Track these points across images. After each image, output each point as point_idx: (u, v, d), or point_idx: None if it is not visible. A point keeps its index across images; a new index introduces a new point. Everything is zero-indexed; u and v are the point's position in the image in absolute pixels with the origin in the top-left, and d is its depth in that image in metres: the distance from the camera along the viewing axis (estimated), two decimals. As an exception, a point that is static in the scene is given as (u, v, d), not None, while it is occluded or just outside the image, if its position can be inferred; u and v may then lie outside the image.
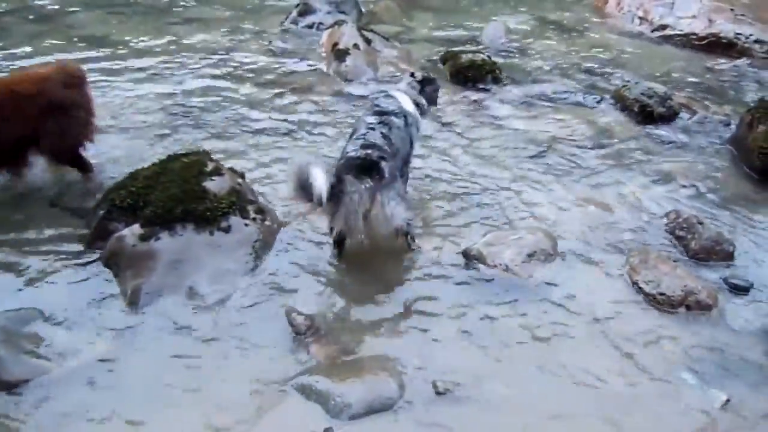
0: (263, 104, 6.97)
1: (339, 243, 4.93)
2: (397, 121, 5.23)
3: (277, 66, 7.80)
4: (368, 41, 8.12)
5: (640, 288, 4.89)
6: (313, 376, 4.06)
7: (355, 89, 7.35)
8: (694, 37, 9.12)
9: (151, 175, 5.07)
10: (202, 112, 6.76)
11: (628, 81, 7.68)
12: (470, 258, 5.05)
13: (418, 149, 5.78)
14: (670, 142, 6.84)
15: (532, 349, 4.41)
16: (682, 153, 6.69)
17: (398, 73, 6.00)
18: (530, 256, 5.05)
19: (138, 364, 4.12)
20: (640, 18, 9.60)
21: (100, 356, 4.15)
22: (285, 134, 6.47)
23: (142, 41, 8.13)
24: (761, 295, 4.96)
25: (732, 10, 9.35)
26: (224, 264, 4.79)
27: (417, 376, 4.14)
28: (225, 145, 6.22)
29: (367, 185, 4.71)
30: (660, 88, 7.40)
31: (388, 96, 5.46)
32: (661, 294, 4.81)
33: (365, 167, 4.76)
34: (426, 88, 5.82)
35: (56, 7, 8.88)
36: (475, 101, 7.34)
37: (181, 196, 4.87)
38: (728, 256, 5.26)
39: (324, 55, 8.10)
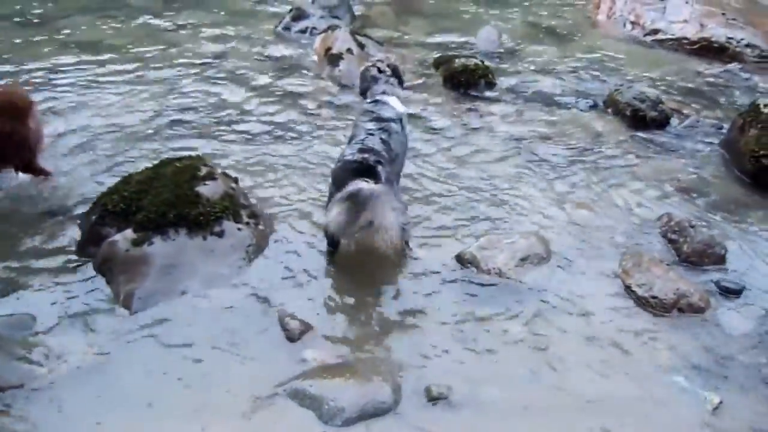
0: (256, 109, 6.97)
1: (333, 245, 4.92)
2: (395, 127, 5.27)
3: (270, 71, 7.81)
4: (362, 46, 8.13)
5: (632, 291, 4.90)
6: (306, 380, 4.05)
7: (348, 94, 7.35)
8: (686, 41, 9.16)
9: (144, 179, 5.06)
10: (195, 116, 6.75)
11: (621, 85, 7.71)
12: (464, 262, 5.06)
13: (411, 154, 5.79)
14: (662, 146, 6.87)
15: (525, 353, 4.41)
16: (674, 157, 6.72)
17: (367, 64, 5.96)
18: (523, 260, 5.07)
19: (130, 370, 4.10)
20: (632, 22, 9.64)
21: (93, 362, 4.13)
22: (278, 139, 6.47)
23: (135, 46, 8.12)
24: (753, 298, 4.98)
25: (723, 14, 9.40)
26: (217, 269, 4.78)
27: (411, 380, 4.13)
28: (218, 149, 6.22)
29: (364, 189, 4.69)
30: (652, 93, 7.44)
31: (383, 103, 5.48)
32: (654, 297, 4.82)
33: (362, 171, 4.76)
34: (397, 74, 5.93)
35: (50, 12, 8.86)
36: (467, 106, 7.36)
37: (174, 201, 4.86)
38: (720, 259, 5.28)
39: (317, 59, 8.11)
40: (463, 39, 9.00)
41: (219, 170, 5.32)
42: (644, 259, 5.11)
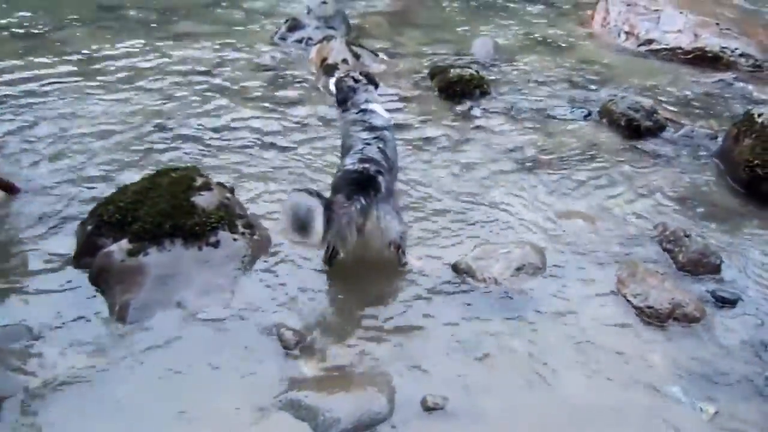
0: (252, 119, 6.97)
1: (331, 256, 4.93)
2: (389, 135, 5.33)
3: (266, 81, 7.83)
4: (357, 56, 8.16)
5: (628, 301, 4.91)
6: (301, 391, 4.04)
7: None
8: (680, 51, 9.20)
9: (139, 190, 5.06)
10: (190, 127, 6.76)
11: (615, 95, 7.74)
12: (459, 272, 5.06)
13: (406, 164, 5.80)
14: (657, 156, 6.89)
15: (521, 363, 4.41)
16: (668, 166, 6.73)
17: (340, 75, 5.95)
18: (519, 269, 5.07)
19: (126, 381, 4.09)
20: (627, 33, 9.68)
21: (88, 373, 4.12)
22: (274, 149, 6.48)
23: (131, 57, 8.13)
24: (748, 308, 4.98)
25: (717, 24, 9.44)
26: (213, 279, 4.78)
27: (406, 390, 4.12)
28: (214, 160, 6.22)
29: (364, 199, 4.72)
30: (647, 102, 7.46)
31: (371, 112, 5.50)
32: (649, 307, 4.83)
33: (362, 181, 4.78)
34: (372, 81, 5.94)
35: (46, 23, 8.87)
36: (463, 115, 7.38)
37: (170, 211, 4.86)
38: (715, 269, 5.28)
39: (313, 70, 8.13)
40: (458, 49, 9.03)
41: (214, 180, 5.32)
42: (639, 269, 5.12)
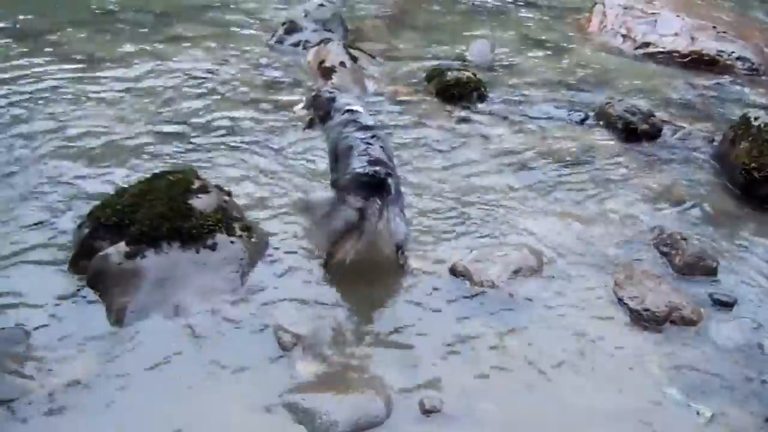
0: (250, 122, 6.97)
1: (330, 256, 4.93)
2: (382, 134, 5.33)
3: (263, 84, 7.82)
4: (354, 59, 8.16)
5: (624, 304, 4.92)
6: (299, 394, 4.05)
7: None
8: (677, 54, 9.23)
9: (137, 192, 5.05)
10: (188, 130, 6.74)
11: (612, 98, 7.74)
12: (457, 274, 5.06)
13: (403, 167, 5.80)
14: (654, 159, 6.91)
15: (518, 366, 4.41)
16: (665, 169, 6.75)
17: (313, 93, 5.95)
18: (516, 272, 5.08)
19: (123, 384, 4.08)
20: (624, 36, 9.70)
21: (85, 376, 4.11)
22: (271, 152, 6.47)
23: (128, 59, 8.11)
24: (745, 311, 5.00)
25: (714, 27, 9.48)
26: (211, 282, 4.77)
27: (404, 393, 4.13)
28: (211, 162, 6.21)
29: (376, 201, 4.72)
30: (643, 105, 7.50)
31: (358, 112, 5.47)
32: (646, 310, 4.84)
33: (374, 184, 4.78)
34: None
35: (43, 25, 8.85)
36: (460, 118, 7.38)
37: (168, 214, 4.85)
38: (712, 272, 5.30)
39: (311, 72, 8.13)
40: (455, 52, 9.04)
41: (212, 183, 5.32)
42: (636, 271, 5.14)
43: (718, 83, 8.66)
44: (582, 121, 7.52)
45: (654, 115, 7.38)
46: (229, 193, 5.37)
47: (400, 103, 7.62)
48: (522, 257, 5.20)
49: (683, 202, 6.21)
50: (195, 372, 4.20)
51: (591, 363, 4.48)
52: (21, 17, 8.97)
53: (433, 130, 7.10)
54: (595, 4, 10.28)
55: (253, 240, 5.11)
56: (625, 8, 9.94)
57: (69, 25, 8.91)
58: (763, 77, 8.95)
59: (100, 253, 4.74)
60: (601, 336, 4.69)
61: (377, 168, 4.87)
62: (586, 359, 4.50)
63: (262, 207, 5.66)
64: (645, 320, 4.81)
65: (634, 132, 7.22)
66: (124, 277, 4.62)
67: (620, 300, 4.95)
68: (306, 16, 9.40)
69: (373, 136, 5.15)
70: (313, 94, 5.77)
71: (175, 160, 6.16)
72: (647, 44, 9.46)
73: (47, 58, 7.97)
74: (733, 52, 9.12)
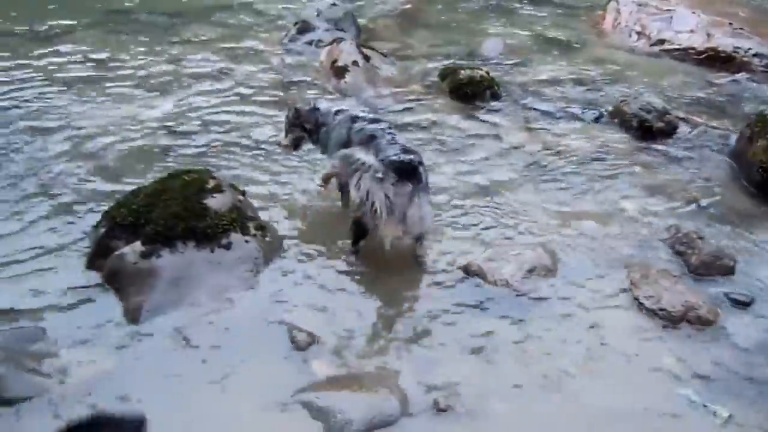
0: (263, 122, 6.98)
1: (359, 234, 5.01)
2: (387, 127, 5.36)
3: (276, 83, 7.84)
4: (367, 58, 8.16)
5: (640, 303, 4.88)
6: (314, 392, 4.06)
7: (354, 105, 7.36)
8: (693, 51, 9.14)
9: (152, 192, 5.08)
10: (202, 129, 6.78)
11: (627, 96, 7.71)
12: (471, 273, 5.05)
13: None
14: (670, 157, 6.86)
15: (533, 366, 4.40)
16: (681, 167, 6.70)
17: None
18: (530, 271, 5.06)
19: (139, 382, 4.10)
20: (638, 33, 9.64)
21: (102, 374, 4.14)
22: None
23: (142, 60, 8.16)
24: (762, 310, 4.95)
25: (730, 24, 9.39)
26: (225, 281, 4.79)
27: (418, 392, 4.13)
28: (226, 162, 6.24)
29: (409, 187, 4.79)
30: (659, 103, 7.43)
31: (349, 109, 5.58)
32: (662, 309, 4.80)
33: (408, 171, 4.83)
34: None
35: (57, 27, 8.91)
36: (473, 117, 7.37)
37: (183, 214, 4.88)
38: (729, 271, 5.25)
39: (323, 72, 8.14)
40: (468, 51, 9.01)
41: (227, 183, 5.33)
42: (652, 271, 5.10)
43: (734, 80, 8.58)
44: (596, 120, 7.48)
45: (669, 113, 7.32)
46: (243, 193, 5.39)
47: (414, 101, 7.62)
48: (536, 256, 5.18)
49: (699, 200, 6.17)
50: (210, 370, 4.21)
51: (606, 363, 4.45)
52: (35, 18, 9.03)
53: (446, 129, 7.09)
54: (609, 1, 10.21)
55: (267, 239, 5.12)
56: (640, 5, 9.87)
57: (82, 27, 8.98)
58: (780, 74, 8.87)
59: (116, 253, 4.78)
60: (615, 336, 4.66)
61: (411, 156, 4.94)
62: (601, 359, 4.48)
63: (276, 206, 5.67)
64: (661, 319, 4.78)
65: (650, 130, 7.17)
66: (139, 276, 4.66)
67: (636, 299, 4.92)
68: (318, 15, 9.43)
69: (388, 127, 5.25)
70: (291, 113, 5.74)
71: (189, 160, 6.18)
72: (662, 41, 9.39)
73: (61, 59, 8.04)
74: (749, 49, 9.02)
